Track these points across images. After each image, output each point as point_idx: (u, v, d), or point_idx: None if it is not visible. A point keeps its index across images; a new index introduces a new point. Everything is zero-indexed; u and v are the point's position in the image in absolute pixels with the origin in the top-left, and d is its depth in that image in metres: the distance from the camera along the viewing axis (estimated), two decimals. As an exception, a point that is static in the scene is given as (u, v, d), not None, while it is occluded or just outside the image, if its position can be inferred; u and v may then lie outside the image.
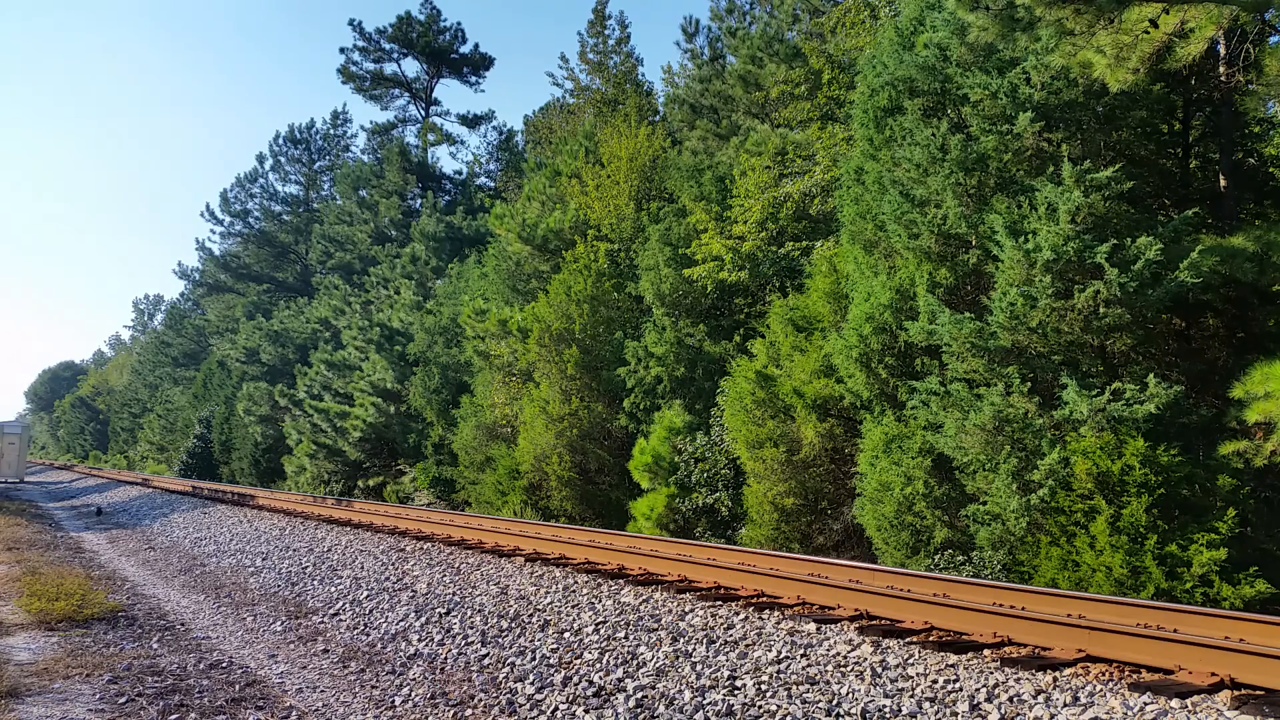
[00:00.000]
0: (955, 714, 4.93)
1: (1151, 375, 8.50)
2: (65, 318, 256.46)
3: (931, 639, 6.10)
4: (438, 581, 9.96)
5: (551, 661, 6.79)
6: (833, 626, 6.63)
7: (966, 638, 6.14)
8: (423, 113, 47.44)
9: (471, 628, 8.01)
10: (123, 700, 6.48)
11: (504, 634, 7.67)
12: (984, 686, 5.16)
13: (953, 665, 5.57)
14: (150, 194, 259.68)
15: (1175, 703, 4.66)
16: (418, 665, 7.38)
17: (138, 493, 31.61)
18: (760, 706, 5.39)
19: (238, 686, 6.97)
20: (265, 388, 36.71)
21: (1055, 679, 5.17)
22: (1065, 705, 4.79)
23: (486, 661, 7.15)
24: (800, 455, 12.15)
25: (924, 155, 9.95)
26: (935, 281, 10.06)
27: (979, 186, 9.79)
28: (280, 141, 54.43)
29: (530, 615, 8.02)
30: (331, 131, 54.53)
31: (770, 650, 6.22)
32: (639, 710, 5.68)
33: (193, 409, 46.98)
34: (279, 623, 9.43)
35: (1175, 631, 5.73)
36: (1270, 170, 10.97)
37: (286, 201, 53.77)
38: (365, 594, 10.03)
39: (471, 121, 46.06)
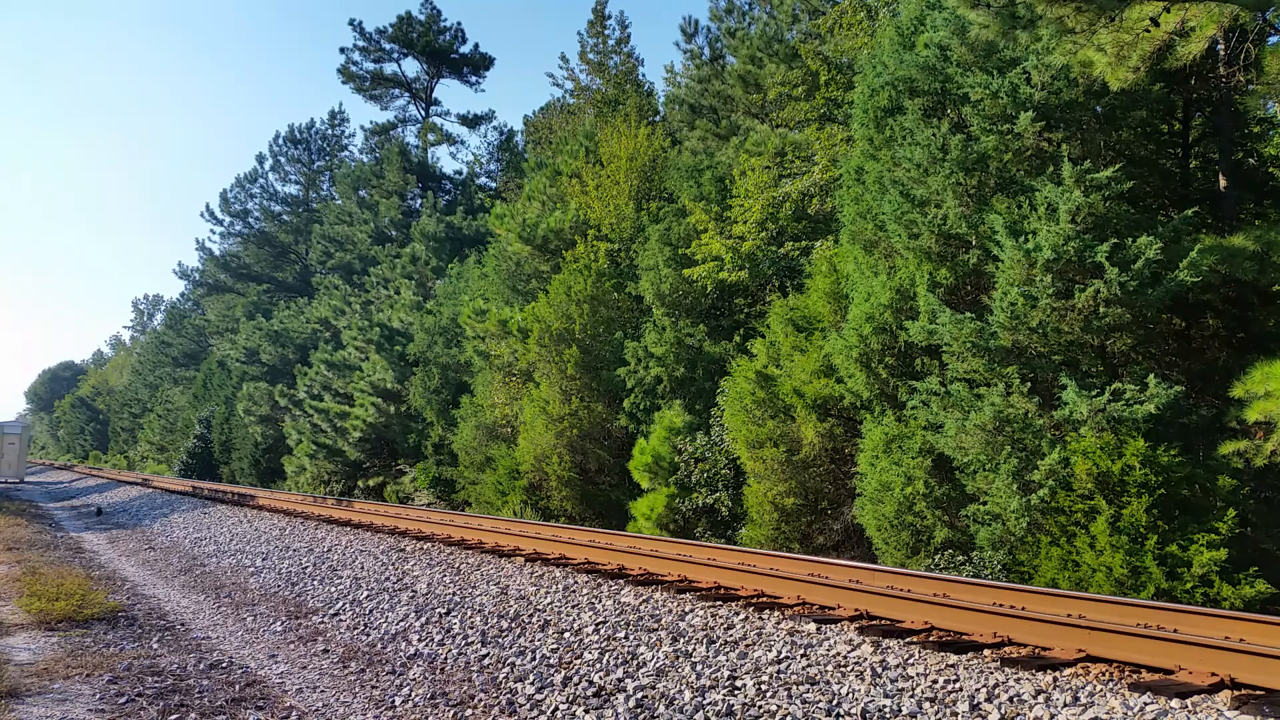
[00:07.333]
0: (955, 714, 4.93)
1: (1151, 375, 8.50)
2: (65, 318, 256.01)
3: (931, 639, 6.10)
4: (438, 581, 9.96)
5: (551, 661, 6.79)
6: (833, 626, 6.63)
7: (966, 638, 6.14)
8: (423, 113, 47.43)
9: (471, 628, 8.01)
10: (123, 700, 6.47)
11: (504, 634, 7.67)
12: (984, 686, 5.16)
13: (953, 665, 5.56)
14: (150, 194, 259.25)
15: (1175, 703, 4.66)
16: (418, 665, 7.38)
17: (138, 493, 31.61)
18: (760, 706, 5.39)
19: (238, 686, 6.97)
20: (265, 388, 36.69)
21: (1055, 679, 5.17)
22: (1065, 705, 4.79)
23: (486, 661, 7.15)
24: (800, 455, 12.15)
25: (924, 155, 9.95)
26: (935, 281, 10.06)
27: (979, 186, 9.79)
28: (280, 141, 54.37)
29: (530, 615, 8.02)
30: (329, 131, 54.52)
31: (770, 650, 6.22)
32: (639, 710, 5.67)
33: (193, 409, 46.98)
34: (279, 623, 9.42)
35: (1175, 631, 5.73)
36: (1270, 170, 10.98)
37: (286, 201, 53.73)
38: (365, 594, 10.03)
39: (471, 121, 46.06)
